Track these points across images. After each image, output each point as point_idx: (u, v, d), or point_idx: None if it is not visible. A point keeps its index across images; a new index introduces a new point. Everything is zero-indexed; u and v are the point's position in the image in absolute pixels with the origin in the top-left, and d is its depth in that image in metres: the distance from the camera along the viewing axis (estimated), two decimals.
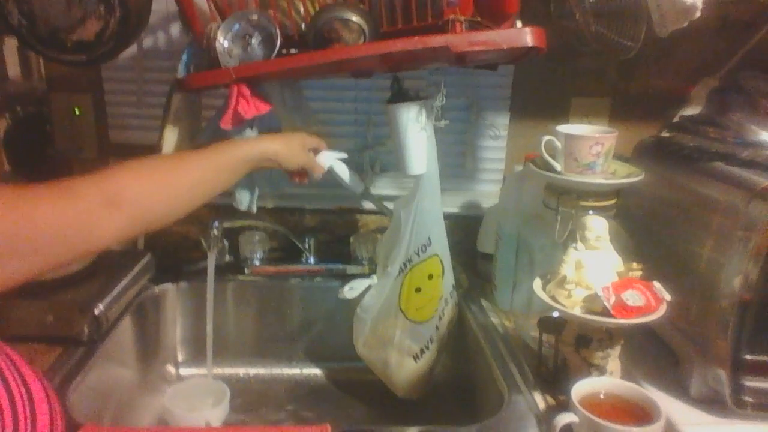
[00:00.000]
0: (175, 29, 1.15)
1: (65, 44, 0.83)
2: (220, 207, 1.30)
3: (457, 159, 1.29)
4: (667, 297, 0.77)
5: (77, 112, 1.23)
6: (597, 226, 0.81)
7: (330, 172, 0.99)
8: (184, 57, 0.85)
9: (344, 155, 1.01)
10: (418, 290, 1.03)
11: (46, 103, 1.26)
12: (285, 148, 0.85)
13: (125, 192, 0.64)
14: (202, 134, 0.94)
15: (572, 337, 0.82)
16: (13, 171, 1.35)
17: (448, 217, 1.05)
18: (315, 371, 1.22)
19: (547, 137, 0.90)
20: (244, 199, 0.98)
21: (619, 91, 1.27)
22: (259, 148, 0.83)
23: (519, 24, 0.85)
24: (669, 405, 0.81)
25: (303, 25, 0.86)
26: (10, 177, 1.34)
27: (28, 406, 0.50)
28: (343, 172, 1.01)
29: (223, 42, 0.80)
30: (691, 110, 1.15)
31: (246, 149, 0.81)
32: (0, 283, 0.52)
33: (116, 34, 0.83)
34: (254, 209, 1.01)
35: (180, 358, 1.20)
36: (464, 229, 1.26)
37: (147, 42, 1.15)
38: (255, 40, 0.80)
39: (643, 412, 0.73)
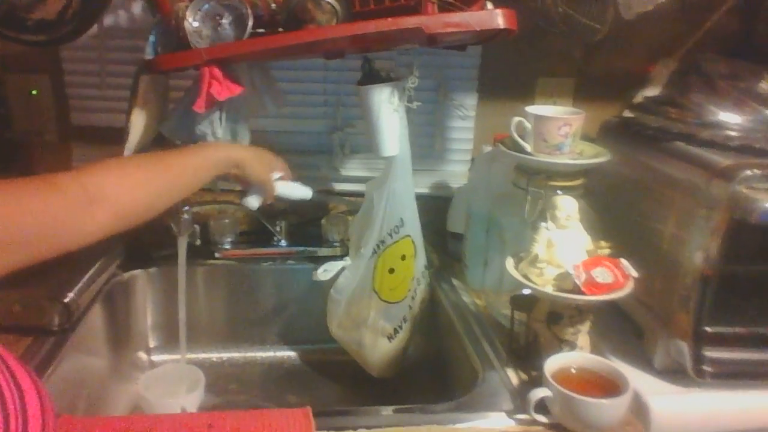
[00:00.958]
0: (138, 7, 1.11)
1: (24, 23, 0.79)
2: None
3: (426, 140, 1.30)
4: (634, 274, 0.80)
5: (34, 93, 1.18)
6: (567, 205, 0.83)
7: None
8: (152, 37, 0.83)
9: (308, 192, 1.01)
10: (391, 271, 1.04)
11: (1, 85, 1.21)
12: (255, 159, 0.88)
13: (107, 189, 0.65)
14: (170, 117, 0.92)
15: (543, 314, 0.84)
16: None
17: (418, 197, 1.06)
18: (289, 353, 1.23)
19: (517, 119, 0.91)
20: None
21: (583, 71, 1.30)
22: (232, 153, 0.85)
23: (489, 5, 0.86)
24: (635, 376, 0.84)
25: (273, 5, 0.84)
26: None
27: (19, 404, 0.48)
28: (292, 192, 1.00)
29: (192, 22, 0.78)
30: (651, 90, 1.18)
31: (220, 153, 0.84)
32: None
33: (79, 13, 0.79)
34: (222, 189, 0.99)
35: (152, 344, 1.19)
36: (434, 209, 1.27)
37: (108, 20, 1.11)
38: (226, 20, 0.79)
39: (611, 385, 0.76)
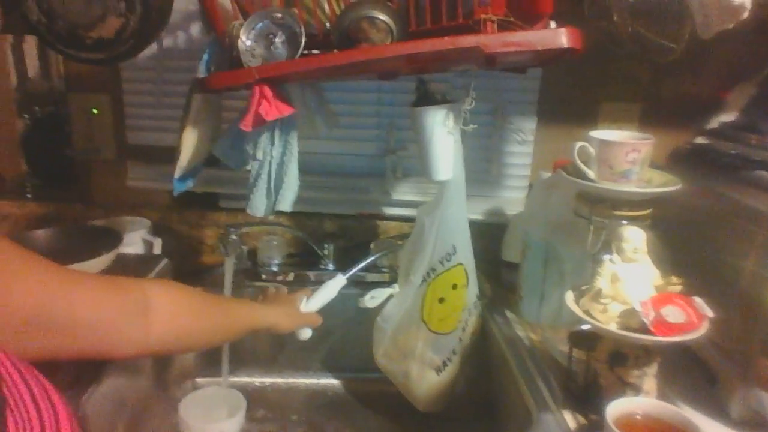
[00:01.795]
0: (196, 28, 1.13)
1: (84, 42, 0.80)
2: (238, 211, 1.28)
3: (482, 164, 1.26)
4: (710, 313, 0.73)
5: (95, 112, 1.21)
6: (634, 237, 0.77)
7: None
8: (205, 56, 0.83)
9: (335, 287, 1.03)
10: (441, 300, 1.00)
11: (64, 104, 1.25)
12: (285, 319, 0.93)
13: (167, 305, 0.66)
14: (222, 139, 0.91)
15: (606, 353, 0.78)
16: (31, 171, 1.34)
17: (471, 224, 1.02)
18: (333, 381, 1.19)
19: (580, 143, 0.86)
20: (260, 205, 0.94)
21: (650, 96, 1.23)
22: (268, 319, 0.89)
23: (553, 24, 0.82)
24: (708, 427, 0.77)
25: (328, 24, 0.83)
26: (28, 178, 1.33)
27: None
28: (324, 299, 1.03)
29: (245, 41, 0.77)
30: (726, 117, 1.11)
31: (261, 316, 0.88)
32: (17, 355, 0.51)
33: (136, 32, 0.80)
34: (270, 216, 0.97)
35: (195, 366, 1.17)
36: (488, 236, 1.22)
37: (167, 41, 1.13)
38: (278, 39, 0.77)
39: None
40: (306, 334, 1.00)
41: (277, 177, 0.91)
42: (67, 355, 0.56)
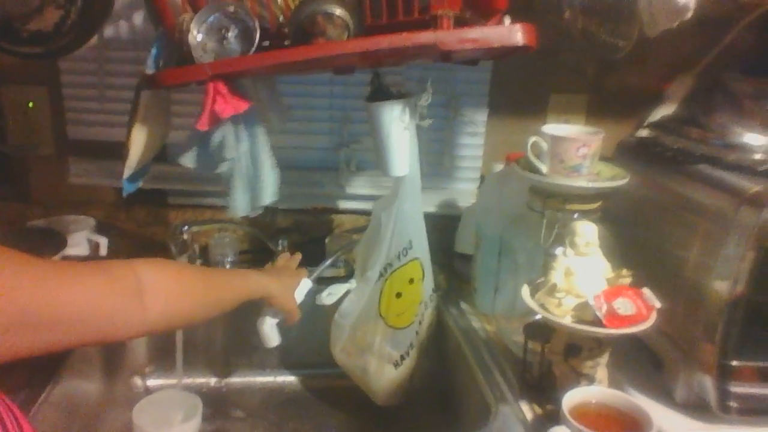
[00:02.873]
0: (140, 17, 1.08)
1: (20, 35, 0.75)
2: (188, 207, 1.25)
3: (435, 157, 1.26)
4: (658, 304, 0.76)
5: (31, 105, 1.14)
6: (587, 231, 0.79)
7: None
8: (154, 51, 0.79)
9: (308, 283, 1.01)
10: (398, 295, 1.00)
11: None
12: (283, 292, 0.92)
13: (161, 285, 0.64)
14: (187, 144, 0.87)
15: (561, 345, 0.80)
16: None
17: (424, 216, 1.02)
18: (290, 378, 1.18)
19: (533, 138, 0.88)
20: (241, 204, 0.91)
21: (596, 87, 1.26)
22: (266, 289, 0.88)
23: (507, 20, 0.82)
24: (654, 411, 0.79)
25: (281, 17, 0.81)
26: None
27: None
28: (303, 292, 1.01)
29: (196, 35, 0.74)
30: (667, 108, 1.15)
31: (258, 286, 0.87)
32: (10, 353, 0.50)
33: (77, 25, 0.76)
34: (256, 212, 0.94)
35: (148, 368, 1.14)
36: (441, 228, 1.23)
37: (108, 31, 1.07)
38: (231, 34, 0.75)
39: (633, 422, 0.72)
40: (275, 341, 0.98)
41: (253, 173, 0.88)
42: (63, 346, 0.55)
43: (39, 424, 0.77)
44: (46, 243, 0.94)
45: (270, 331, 0.97)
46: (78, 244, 1.05)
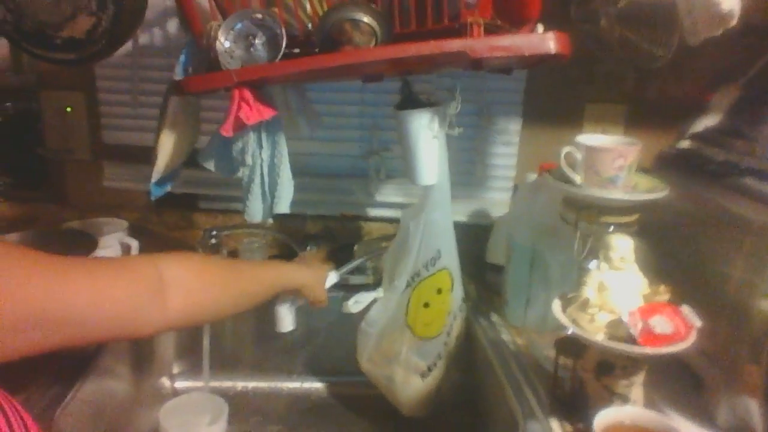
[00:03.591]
0: (173, 25, 1.09)
1: (53, 42, 0.77)
2: (219, 212, 1.26)
3: (466, 166, 1.24)
4: (698, 323, 0.72)
5: (69, 110, 1.17)
6: (622, 245, 0.76)
7: None
8: (182, 57, 0.79)
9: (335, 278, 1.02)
10: (426, 305, 0.98)
11: (36, 100, 1.21)
12: (315, 283, 0.93)
13: (183, 279, 0.64)
14: (209, 146, 0.88)
15: (593, 362, 0.77)
16: (3, 170, 1.30)
17: (455, 225, 1.01)
18: (316, 385, 1.18)
19: (567, 148, 0.85)
20: (257, 210, 0.91)
21: (635, 97, 1.22)
22: (297, 278, 0.88)
23: (540, 28, 0.80)
24: None
25: (309, 25, 0.80)
26: (1, 177, 1.29)
27: None
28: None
29: (224, 42, 0.74)
30: (710, 120, 1.10)
31: (290, 276, 0.87)
32: (20, 352, 0.50)
33: (108, 32, 0.77)
34: (270, 220, 0.95)
35: (176, 370, 1.15)
36: (472, 238, 1.21)
37: (143, 38, 1.09)
38: (258, 41, 0.75)
39: None
40: (290, 326, 0.97)
41: (271, 180, 0.88)
42: (85, 342, 0.55)
43: (66, 421, 0.78)
44: (78, 245, 0.95)
45: (286, 315, 0.97)
46: (110, 246, 1.06)
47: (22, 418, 0.49)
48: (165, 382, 1.13)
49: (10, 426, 0.46)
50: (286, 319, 0.97)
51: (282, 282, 0.85)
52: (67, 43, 0.77)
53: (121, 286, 0.57)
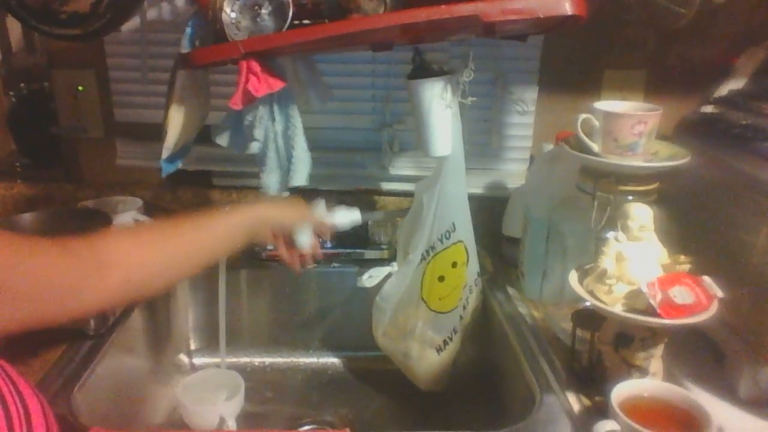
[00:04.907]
0: None
1: (58, 17, 0.76)
2: (233, 189, 1.25)
3: (482, 137, 1.22)
4: (719, 293, 0.70)
5: (81, 89, 1.17)
6: (641, 214, 0.74)
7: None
8: (189, 30, 0.78)
9: (357, 214, 0.96)
10: (441, 279, 0.97)
11: (48, 80, 1.20)
12: (280, 209, 0.86)
13: (118, 254, 0.63)
14: (222, 122, 0.87)
15: (611, 334, 0.76)
16: (20, 150, 1.31)
17: (471, 198, 0.99)
18: (332, 360, 1.18)
19: (584, 115, 0.82)
20: (272, 183, 0.90)
21: (656, 63, 1.18)
22: (255, 213, 0.82)
23: None
24: (716, 408, 0.75)
25: None
26: (18, 157, 1.30)
27: (24, 423, 0.48)
28: (342, 219, 0.95)
29: (230, 13, 0.73)
30: (736, 83, 1.06)
31: (240, 215, 0.80)
32: None
33: (112, 5, 0.75)
34: (286, 193, 0.93)
35: (193, 346, 1.16)
36: (488, 210, 1.19)
37: (151, 13, 1.08)
38: (265, 11, 0.73)
39: (690, 419, 0.66)
40: (306, 239, 0.89)
41: (286, 152, 0.87)
42: (34, 322, 0.55)
43: (84, 397, 0.78)
44: (93, 223, 0.95)
45: (302, 236, 0.90)
46: (125, 223, 1.06)
47: (25, 408, 0.49)
48: (183, 358, 1.14)
49: (9, 421, 0.47)
50: (303, 239, 0.91)
51: (243, 221, 0.80)
52: (72, 17, 0.76)
53: (59, 264, 0.57)
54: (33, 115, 1.26)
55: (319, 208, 0.93)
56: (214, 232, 0.76)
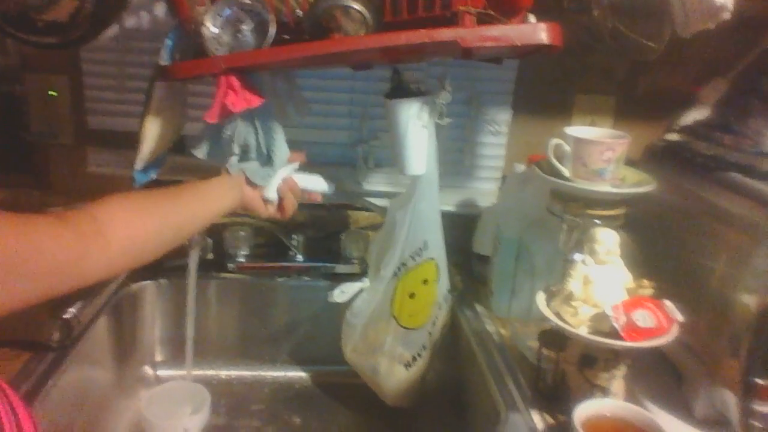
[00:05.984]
0: (161, 8, 1.07)
1: (35, 25, 0.75)
2: None
3: (455, 155, 1.24)
4: (680, 318, 0.73)
5: (53, 94, 1.15)
6: (607, 239, 0.76)
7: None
8: (169, 42, 0.78)
9: (327, 185, 0.97)
10: (411, 296, 0.98)
11: (20, 82, 1.18)
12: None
13: (117, 219, 0.63)
14: (201, 134, 0.86)
15: (576, 355, 0.78)
16: None
17: (442, 215, 1.00)
18: (300, 374, 1.18)
19: (555, 140, 0.85)
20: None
21: (625, 89, 1.22)
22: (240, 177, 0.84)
23: (531, 17, 0.79)
24: (672, 427, 0.78)
25: (299, 11, 0.79)
26: None
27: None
28: (310, 183, 0.95)
29: (211, 28, 0.73)
30: (700, 113, 1.10)
31: (231, 179, 0.83)
32: None
33: (91, 16, 0.75)
34: None
35: (159, 358, 1.15)
36: (459, 227, 1.21)
37: (130, 21, 1.07)
38: (246, 27, 0.73)
39: None
40: (272, 193, 0.88)
41: (265, 168, 0.87)
42: (37, 299, 0.55)
43: (46, 410, 0.77)
44: None
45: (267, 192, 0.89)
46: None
47: (11, 404, 0.49)
48: (148, 370, 1.13)
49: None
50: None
51: (234, 190, 0.83)
52: (50, 26, 0.75)
53: (63, 236, 0.57)
54: (3, 118, 1.24)
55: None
56: (209, 199, 0.79)
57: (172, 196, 0.75)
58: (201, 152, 0.85)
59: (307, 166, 1.21)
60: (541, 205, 0.93)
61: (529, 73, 1.19)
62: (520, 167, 1.10)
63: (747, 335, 0.73)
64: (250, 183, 0.86)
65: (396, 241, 0.95)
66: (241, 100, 0.73)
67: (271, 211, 0.90)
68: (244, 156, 0.86)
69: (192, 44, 0.77)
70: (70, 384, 0.84)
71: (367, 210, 1.24)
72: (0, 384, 0.50)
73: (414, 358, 1.02)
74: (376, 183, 1.23)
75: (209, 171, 1.02)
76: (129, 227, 0.64)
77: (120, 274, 0.76)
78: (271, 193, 0.88)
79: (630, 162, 0.90)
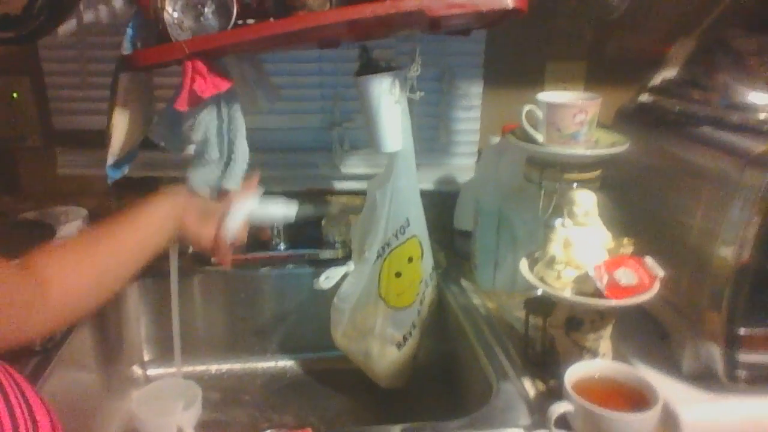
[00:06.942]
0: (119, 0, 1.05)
1: None
2: None
3: (430, 132, 1.23)
4: (661, 273, 0.73)
5: (15, 96, 1.12)
6: (585, 200, 0.76)
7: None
8: (129, 31, 0.76)
9: (291, 209, 0.92)
10: (398, 275, 0.98)
11: None
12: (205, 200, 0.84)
13: (51, 270, 0.61)
14: (159, 120, 0.85)
15: (562, 319, 0.78)
16: None
17: (422, 193, 1.00)
18: (291, 363, 1.17)
19: (528, 107, 0.85)
20: (202, 183, 0.86)
21: (594, 54, 1.22)
22: (180, 200, 0.79)
23: None
24: (661, 383, 0.78)
25: None
26: None
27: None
28: (270, 211, 0.90)
29: (172, 12, 0.71)
30: (668, 72, 1.11)
31: (166, 206, 0.77)
32: None
33: (46, 7, 0.73)
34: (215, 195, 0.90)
35: (147, 357, 1.13)
36: (439, 205, 1.21)
37: (88, 15, 1.04)
38: (208, 10, 0.72)
39: (639, 396, 0.70)
40: (234, 226, 0.82)
41: (227, 155, 0.86)
42: None
43: None
44: (36, 235, 0.92)
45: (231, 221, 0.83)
46: (68, 235, 1.03)
47: (22, 392, 0.48)
48: (136, 370, 1.11)
49: (8, 404, 0.46)
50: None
51: (167, 217, 0.76)
52: (4, 20, 0.73)
53: (8, 284, 0.55)
54: None
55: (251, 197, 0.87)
56: (144, 230, 0.73)
57: (103, 233, 0.70)
58: (158, 137, 0.83)
59: (282, 153, 1.21)
60: (518, 174, 0.94)
61: (498, 45, 1.19)
62: (495, 139, 1.10)
63: (727, 287, 0.74)
64: (196, 209, 0.80)
65: (378, 221, 0.94)
66: (209, 85, 0.72)
67: (217, 246, 0.83)
68: (199, 153, 0.84)
69: (154, 31, 0.75)
70: (57, 388, 0.83)
71: (346, 194, 1.23)
72: (14, 376, 0.49)
73: (405, 338, 1.02)
74: (353, 166, 1.22)
75: (178, 167, 0.99)
76: (64, 273, 0.62)
77: (60, 329, 0.76)
78: (231, 232, 0.83)
79: (603, 126, 0.90)
